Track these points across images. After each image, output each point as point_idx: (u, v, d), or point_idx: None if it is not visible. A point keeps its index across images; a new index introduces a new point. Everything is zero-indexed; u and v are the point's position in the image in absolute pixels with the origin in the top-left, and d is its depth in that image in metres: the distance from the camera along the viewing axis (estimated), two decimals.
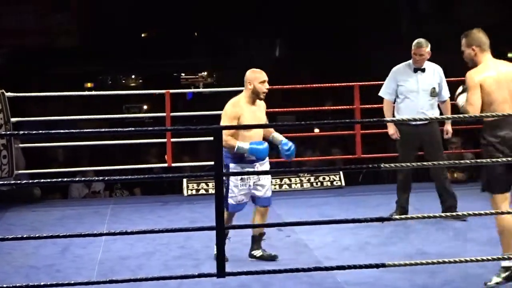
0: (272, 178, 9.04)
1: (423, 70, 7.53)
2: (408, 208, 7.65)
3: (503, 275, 5.54)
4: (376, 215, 6.61)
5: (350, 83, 9.25)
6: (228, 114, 6.26)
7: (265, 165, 6.39)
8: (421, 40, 7.49)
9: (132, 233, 5.09)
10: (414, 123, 7.40)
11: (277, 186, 9.11)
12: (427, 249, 6.53)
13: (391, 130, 7.61)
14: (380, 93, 7.71)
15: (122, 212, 8.37)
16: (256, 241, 6.44)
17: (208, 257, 6.28)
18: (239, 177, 6.29)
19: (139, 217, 8.13)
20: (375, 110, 9.51)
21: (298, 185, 9.21)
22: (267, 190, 6.40)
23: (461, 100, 5.61)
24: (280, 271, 5.44)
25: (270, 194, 6.44)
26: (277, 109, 9.19)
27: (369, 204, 8.21)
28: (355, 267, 5.18)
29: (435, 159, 7.46)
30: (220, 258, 4.84)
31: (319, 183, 9.24)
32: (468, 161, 6.83)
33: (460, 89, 5.70)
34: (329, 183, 9.17)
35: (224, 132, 5.83)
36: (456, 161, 7.67)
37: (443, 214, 5.71)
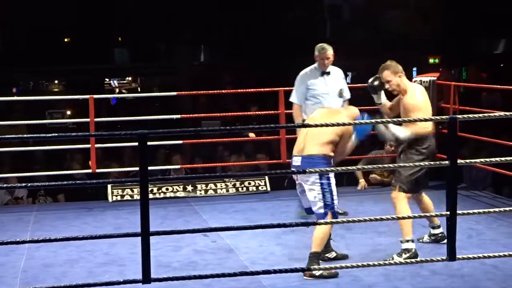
0: (197, 183, 9.06)
1: (328, 73, 7.77)
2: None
3: (405, 255, 6.24)
4: (301, 219, 6.66)
5: (275, 88, 9.30)
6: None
7: None
8: (325, 44, 7.74)
9: (55, 240, 5.03)
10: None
11: (202, 191, 9.11)
12: (352, 253, 6.60)
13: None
14: (292, 99, 7.83)
15: (46, 219, 8.26)
16: (317, 258, 6.13)
17: (134, 264, 6.24)
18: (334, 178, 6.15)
19: (63, 224, 8.04)
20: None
21: (224, 190, 9.21)
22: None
23: (395, 128, 6.31)
24: (206, 276, 5.45)
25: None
26: (202, 114, 9.18)
27: (294, 209, 8.25)
28: (280, 271, 5.21)
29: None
30: (146, 264, 4.82)
31: (244, 188, 9.26)
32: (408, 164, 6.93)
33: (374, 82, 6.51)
34: (254, 188, 9.20)
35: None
36: (380, 166, 7.76)
37: (367, 218, 5.79)
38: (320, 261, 6.10)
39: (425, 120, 6.18)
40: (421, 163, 6.22)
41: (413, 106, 6.33)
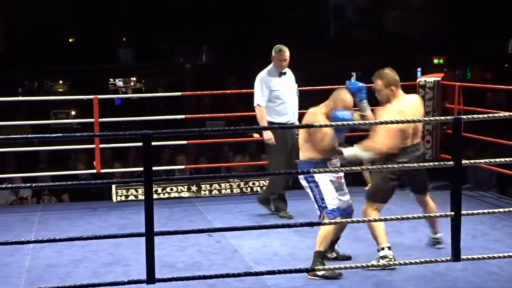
0: (202, 184, 9.07)
1: (285, 74, 7.88)
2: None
3: (382, 261, 6.09)
4: (305, 220, 6.66)
5: None
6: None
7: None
8: (282, 46, 7.81)
9: (60, 240, 5.04)
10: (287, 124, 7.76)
11: (207, 192, 9.11)
12: (355, 253, 6.60)
13: (268, 135, 7.77)
14: (257, 102, 7.82)
15: (50, 219, 8.27)
16: (321, 257, 6.15)
17: (138, 264, 6.25)
18: (328, 178, 6.14)
19: (67, 224, 8.05)
20: (302, 114, 9.60)
21: (228, 190, 9.21)
22: (348, 196, 6.36)
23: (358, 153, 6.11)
24: (210, 277, 5.45)
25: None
26: (206, 115, 9.18)
27: (299, 209, 8.25)
28: (285, 271, 5.21)
29: (292, 163, 7.72)
30: (150, 264, 4.82)
31: (249, 189, 9.26)
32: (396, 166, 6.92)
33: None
34: (259, 188, 9.19)
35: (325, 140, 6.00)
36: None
37: (371, 219, 5.80)
38: (324, 260, 6.09)
39: (430, 120, 6.12)
40: (426, 164, 6.17)
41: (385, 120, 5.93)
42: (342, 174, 6.26)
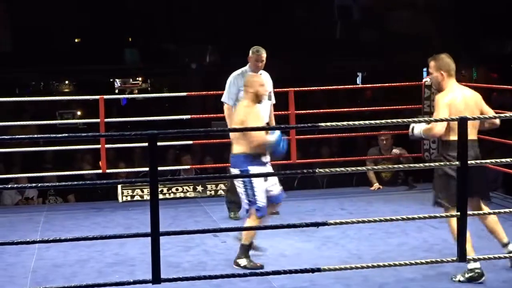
0: (207, 184, 9.07)
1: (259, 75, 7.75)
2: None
3: (467, 275, 5.83)
4: (311, 220, 6.66)
5: (285, 89, 9.29)
6: (253, 113, 6.32)
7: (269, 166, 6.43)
8: (259, 47, 7.76)
9: (66, 240, 5.04)
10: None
11: (212, 192, 9.10)
12: (361, 253, 6.60)
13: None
14: (224, 99, 7.81)
15: (56, 219, 8.28)
16: (245, 250, 6.34)
17: (143, 264, 6.25)
18: (263, 178, 6.25)
19: (73, 224, 8.05)
20: (310, 115, 9.61)
21: None
22: (279, 186, 6.46)
23: (417, 128, 5.90)
24: (216, 277, 5.45)
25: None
26: (212, 115, 9.17)
27: (304, 209, 8.26)
28: (290, 272, 5.21)
29: None
30: (156, 264, 4.82)
31: None
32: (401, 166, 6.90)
33: (412, 125, 5.92)
34: None
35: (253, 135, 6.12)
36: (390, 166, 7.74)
37: (377, 219, 5.79)
38: (248, 252, 6.28)
39: (437, 120, 5.98)
40: (432, 164, 6.12)
41: (438, 106, 5.82)
42: (269, 165, 6.37)
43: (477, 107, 5.99)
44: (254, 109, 6.35)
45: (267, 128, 6.44)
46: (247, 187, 6.22)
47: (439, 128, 5.76)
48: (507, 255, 6.02)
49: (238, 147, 6.29)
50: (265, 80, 7.73)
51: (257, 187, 6.21)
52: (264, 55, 7.72)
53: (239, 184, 6.31)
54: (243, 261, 6.26)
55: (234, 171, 6.31)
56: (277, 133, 6.21)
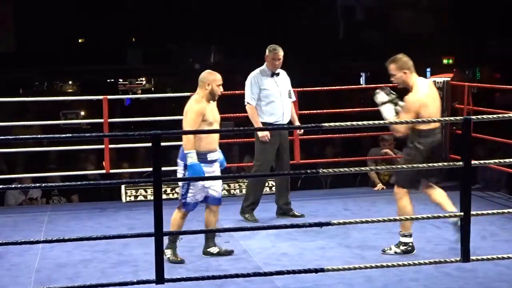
0: None
1: (278, 74, 7.86)
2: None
3: (402, 248, 6.47)
4: (314, 220, 6.66)
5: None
6: (196, 110, 6.40)
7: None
8: (276, 45, 7.79)
9: (69, 240, 5.05)
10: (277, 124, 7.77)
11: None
12: (365, 254, 6.60)
13: (263, 132, 7.79)
14: (247, 100, 7.87)
15: (60, 219, 8.29)
16: (210, 238, 6.62)
17: (147, 264, 6.25)
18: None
19: (76, 224, 8.06)
20: (312, 115, 9.60)
21: (237, 190, 9.21)
22: (220, 190, 6.60)
23: (387, 112, 6.44)
24: (219, 277, 5.46)
25: (221, 193, 6.65)
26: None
27: (307, 209, 8.25)
28: (294, 272, 5.22)
29: (285, 164, 7.91)
30: (159, 264, 4.83)
31: None
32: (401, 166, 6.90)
33: (381, 94, 6.46)
34: (267, 189, 9.17)
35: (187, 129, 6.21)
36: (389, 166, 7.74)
37: (380, 219, 5.80)
38: (175, 243, 6.45)
39: (439, 120, 6.14)
40: (436, 164, 6.15)
41: (411, 101, 6.27)
42: (217, 167, 6.55)
43: (438, 96, 6.51)
44: (203, 104, 6.46)
45: (274, 129, 6.46)
46: (185, 181, 6.42)
47: (403, 130, 6.32)
48: (451, 222, 6.35)
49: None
50: (283, 78, 7.89)
51: (193, 185, 6.41)
52: (281, 53, 7.76)
53: (179, 175, 6.48)
54: (168, 252, 6.39)
55: (180, 163, 6.45)
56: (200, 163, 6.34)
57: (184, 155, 6.37)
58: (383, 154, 9.40)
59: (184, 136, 6.32)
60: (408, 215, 6.31)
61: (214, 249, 6.64)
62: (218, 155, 6.56)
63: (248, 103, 7.85)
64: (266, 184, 8.89)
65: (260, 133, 7.78)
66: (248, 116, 7.92)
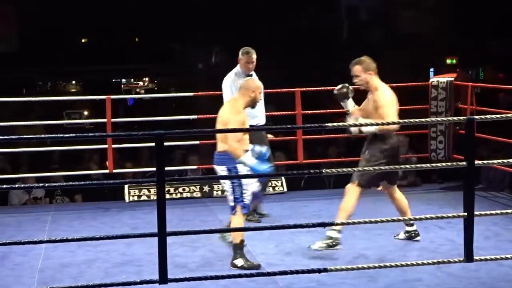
0: (214, 184, 9.07)
1: (251, 76, 7.81)
2: None
3: (327, 241, 6.53)
4: (317, 220, 6.66)
5: (292, 89, 9.29)
6: (239, 121, 6.32)
7: None
8: (250, 48, 7.80)
9: (72, 240, 5.06)
10: (256, 126, 7.77)
11: (219, 192, 9.10)
12: (368, 254, 6.60)
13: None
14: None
15: (63, 219, 8.29)
16: (239, 249, 6.37)
17: (150, 264, 6.25)
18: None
19: (80, 224, 8.07)
20: (316, 115, 9.60)
21: None
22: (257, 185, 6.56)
23: (350, 106, 6.75)
24: (223, 277, 5.46)
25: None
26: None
27: (311, 209, 8.26)
28: (297, 272, 5.21)
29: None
30: (162, 264, 4.83)
31: None
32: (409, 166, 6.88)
33: (345, 89, 6.69)
34: (271, 189, 9.18)
35: (232, 138, 6.17)
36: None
37: (384, 219, 5.82)
38: (243, 251, 6.30)
39: (443, 120, 6.19)
40: (439, 164, 6.20)
41: (386, 102, 6.52)
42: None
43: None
44: (244, 114, 6.41)
45: (280, 128, 6.46)
46: (235, 184, 6.29)
47: (395, 127, 6.56)
48: (410, 231, 6.89)
49: (223, 145, 6.33)
50: (255, 78, 7.73)
51: (245, 185, 6.30)
52: (254, 56, 7.76)
53: (225, 181, 6.42)
54: (239, 261, 6.27)
55: (220, 168, 6.35)
56: (258, 161, 6.24)
57: (223, 160, 6.30)
58: None
59: (229, 146, 6.21)
60: (348, 211, 6.49)
61: (239, 262, 6.40)
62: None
63: None
64: (269, 184, 8.89)
65: None
66: None
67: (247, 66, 7.77)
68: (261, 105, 7.88)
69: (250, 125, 7.73)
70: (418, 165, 5.82)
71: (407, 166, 5.79)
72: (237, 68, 7.85)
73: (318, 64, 20.48)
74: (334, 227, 6.49)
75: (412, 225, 6.91)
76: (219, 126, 6.40)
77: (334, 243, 6.51)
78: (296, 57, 20.89)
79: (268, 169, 6.24)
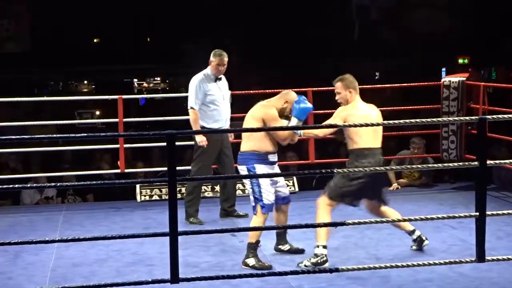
0: None
1: (220, 79, 7.85)
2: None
3: (313, 260, 6.23)
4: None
5: (302, 89, 9.28)
6: (277, 116, 6.38)
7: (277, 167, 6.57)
8: (222, 51, 7.80)
9: (84, 239, 5.07)
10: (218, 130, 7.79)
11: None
12: (379, 254, 6.59)
13: (200, 138, 7.72)
14: (191, 105, 7.80)
15: (75, 219, 8.31)
16: (281, 235, 6.64)
17: (162, 263, 6.26)
18: (266, 171, 6.37)
19: (91, 223, 8.08)
20: (327, 115, 9.59)
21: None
22: (286, 189, 6.64)
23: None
24: (234, 277, 5.46)
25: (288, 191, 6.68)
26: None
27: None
28: (308, 272, 5.21)
29: (229, 169, 7.89)
30: (174, 264, 4.84)
31: None
32: (420, 166, 6.87)
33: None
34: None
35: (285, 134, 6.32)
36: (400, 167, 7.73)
37: (395, 219, 5.82)
38: (256, 251, 6.29)
39: (454, 120, 6.11)
40: (451, 164, 6.16)
41: (337, 112, 6.45)
42: (277, 166, 6.53)
43: (379, 119, 6.51)
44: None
45: (286, 128, 6.44)
46: (254, 184, 6.33)
47: (318, 132, 6.59)
48: (415, 238, 6.59)
49: (247, 145, 6.39)
50: (224, 83, 7.90)
51: (263, 185, 6.31)
52: (226, 59, 7.77)
53: (247, 181, 6.48)
54: (251, 261, 6.28)
55: (241, 168, 6.41)
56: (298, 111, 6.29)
57: (244, 160, 6.37)
58: (397, 184, 9.41)
59: (286, 138, 6.38)
60: (322, 227, 6.23)
61: (285, 247, 6.64)
62: (277, 157, 6.52)
63: (191, 107, 7.79)
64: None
65: (198, 139, 7.71)
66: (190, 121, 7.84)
67: (218, 69, 7.76)
68: (226, 109, 7.90)
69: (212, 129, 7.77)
70: (430, 165, 5.81)
71: (419, 166, 5.78)
72: (207, 70, 7.84)
73: (328, 64, 20.48)
74: (318, 243, 6.26)
75: (413, 232, 6.66)
76: (250, 123, 6.41)
77: (321, 260, 6.24)
78: (306, 57, 20.88)
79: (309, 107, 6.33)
